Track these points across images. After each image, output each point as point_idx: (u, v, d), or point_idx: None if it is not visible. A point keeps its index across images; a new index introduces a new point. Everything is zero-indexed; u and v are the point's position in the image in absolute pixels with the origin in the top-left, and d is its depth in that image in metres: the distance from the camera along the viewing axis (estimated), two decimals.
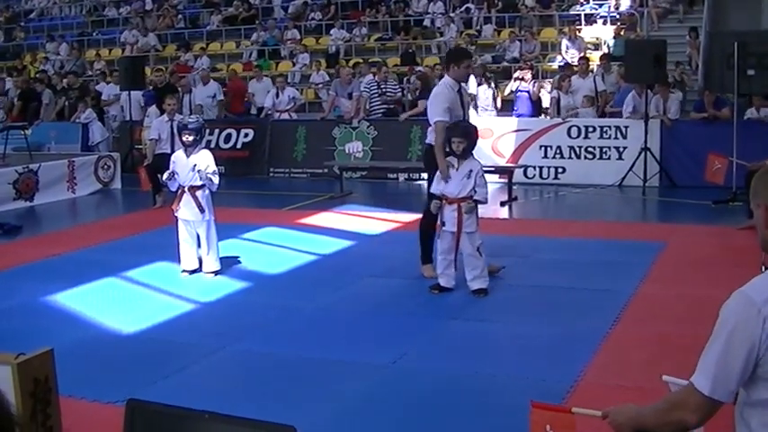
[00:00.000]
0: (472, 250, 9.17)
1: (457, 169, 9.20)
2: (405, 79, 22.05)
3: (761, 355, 3.02)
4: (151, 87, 20.80)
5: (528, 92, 18.58)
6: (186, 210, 10.10)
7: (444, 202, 9.25)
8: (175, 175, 10.10)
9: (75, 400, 6.07)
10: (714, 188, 14.37)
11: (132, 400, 2.84)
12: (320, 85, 22.77)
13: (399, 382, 6.72)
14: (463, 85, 10.27)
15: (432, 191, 9.48)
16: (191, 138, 10.11)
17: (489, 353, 7.38)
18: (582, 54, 21.78)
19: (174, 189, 10.33)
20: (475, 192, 9.16)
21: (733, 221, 12.59)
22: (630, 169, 16.22)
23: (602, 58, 20.37)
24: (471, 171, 9.15)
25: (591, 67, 19.38)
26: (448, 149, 9.25)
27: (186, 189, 10.09)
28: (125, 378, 6.88)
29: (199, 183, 10.06)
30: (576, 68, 19.19)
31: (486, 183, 9.35)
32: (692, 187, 15.27)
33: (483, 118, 18.33)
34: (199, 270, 10.24)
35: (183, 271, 10.26)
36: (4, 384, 2.84)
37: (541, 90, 19.11)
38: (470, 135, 9.33)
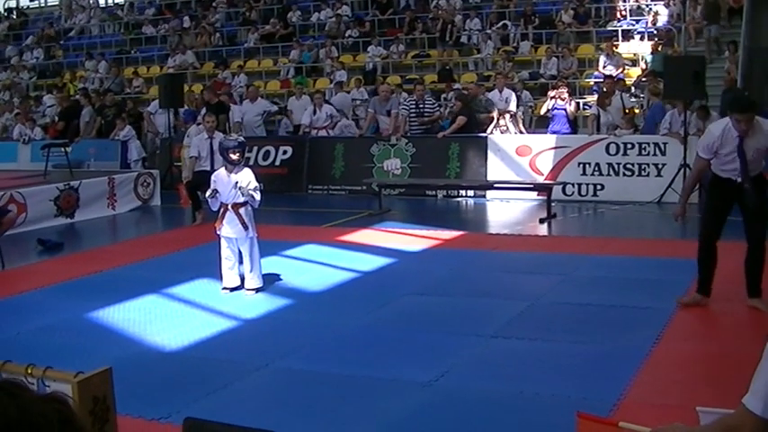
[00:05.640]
0: None
1: None
2: (442, 96, 22.09)
3: None
4: (201, 105, 20.76)
5: (564, 110, 18.54)
6: (229, 227, 10.15)
7: None
8: (217, 194, 10.15)
9: (127, 418, 6.11)
10: None
11: (189, 419, 2.87)
12: (358, 102, 22.80)
13: (442, 401, 6.72)
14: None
15: None
16: (237, 156, 10.18)
17: (531, 371, 7.35)
18: (620, 70, 21.81)
19: (215, 208, 10.37)
20: None
21: None
22: (670, 186, 16.13)
23: (644, 73, 20.34)
24: None
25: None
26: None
27: (230, 206, 10.15)
28: (170, 395, 6.94)
29: (242, 200, 10.12)
30: (614, 83, 19.14)
31: None
32: None
33: (521, 135, 18.45)
34: (240, 287, 10.28)
35: (224, 288, 10.31)
36: None
37: (577, 109, 19.12)
38: None
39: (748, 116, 8.58)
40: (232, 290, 10.27)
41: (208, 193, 10.30)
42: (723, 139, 8.73)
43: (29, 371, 3.48)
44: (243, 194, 10.06)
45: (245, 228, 10.12)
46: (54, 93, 26.90)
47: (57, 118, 24.24)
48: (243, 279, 10.31)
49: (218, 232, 10.30)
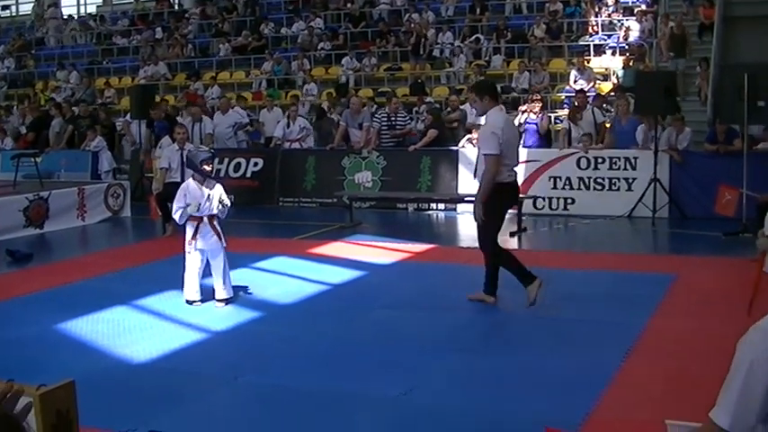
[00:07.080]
0: None
1: None
2: (414, 110, 22.11)
3: None
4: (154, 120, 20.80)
5: (536, 124, 18.50)
6: (202, 240, 10.09)
7: None
8: (200, 205, 10.04)
9: (93, 431, 6.04)
10: (724, 220, 14.37)
11: None
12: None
13: (412, 415, 6.69)
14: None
15: None
16: (211, 167, 10.16)
17: (500, 386, 7.33)
18: (591, 84, 21.90)
19: (182, 222, 10.27)
20: None
21: (744, 253, 12.57)
22: (640, 200, 16.21)
23: (614, 89, 20.42)
24: None
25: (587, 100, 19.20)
26: None
27: (206, 219, 10.08)
28: (137, 408, 6.87)
29: (215, 212, 10.09)
30: (585, 97, 19.12)
31: None
32: (702, 219, 15.27)
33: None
34: (210, 299, 10.21)
35: (188, 301, 10.22)
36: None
37: (549, 123, 19.10)
38: None
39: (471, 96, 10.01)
40: (194, 302, 10.18)
41: (188, 207, 10.07)
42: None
43: None
44: (223, 205, 10.05)
45: (220, 239, 10.09)
46: (25, 103, 26.74)
47: (25, 130, 24.09)
48: (213, 291, 10.24)
49: (196, 248, 10.16)
